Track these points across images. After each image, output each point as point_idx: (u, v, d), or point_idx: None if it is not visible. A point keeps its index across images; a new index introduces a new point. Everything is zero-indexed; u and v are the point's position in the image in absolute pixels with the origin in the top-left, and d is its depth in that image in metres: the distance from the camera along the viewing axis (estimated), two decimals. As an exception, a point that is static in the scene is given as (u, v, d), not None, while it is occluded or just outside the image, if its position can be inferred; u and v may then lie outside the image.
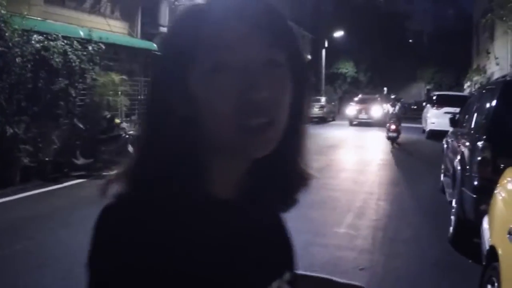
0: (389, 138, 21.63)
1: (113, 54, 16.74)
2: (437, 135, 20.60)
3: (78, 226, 8.01)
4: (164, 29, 20.39)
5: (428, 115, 26.30)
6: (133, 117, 18.15)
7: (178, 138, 0.96)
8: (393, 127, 21.44)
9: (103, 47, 15.07)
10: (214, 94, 0.93)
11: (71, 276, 5.92)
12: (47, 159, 12.28)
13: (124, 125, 14.99)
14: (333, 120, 39.71)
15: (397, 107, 23.77)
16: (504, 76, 8.07)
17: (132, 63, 18.23)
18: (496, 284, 3.94)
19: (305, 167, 1.11)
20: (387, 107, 26.02)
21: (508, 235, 3.91)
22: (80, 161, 12.72)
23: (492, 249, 4.32)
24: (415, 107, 52.95)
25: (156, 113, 1.00)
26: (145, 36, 19.75)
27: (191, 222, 0.94)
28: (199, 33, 0.95)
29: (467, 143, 7.57)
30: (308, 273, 1.41)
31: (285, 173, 1.09)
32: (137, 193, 0.96)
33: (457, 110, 14.53)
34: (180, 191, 0.94)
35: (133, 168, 0.99)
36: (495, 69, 25.95)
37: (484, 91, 9.02)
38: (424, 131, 27.71)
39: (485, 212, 5.52)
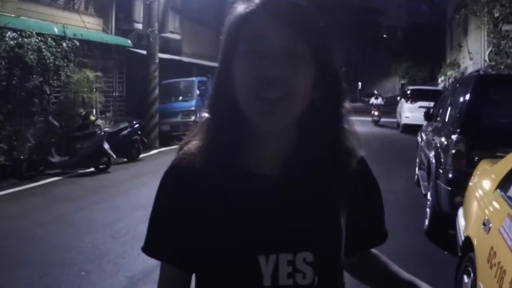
0: (373, 121, 30.66)
1: (88, 50, 16.66)
2: (412, 129, 20.78)
3: (54, 224, 7.98)
4: (138, 25, 20.25)
5: (403, 109, 26.50)
6: (108, 114, 18.08)
7: (225, 116, 1.24)
8: (376, 113, 31.16)
9: (78, 43, 15.00)
10: (242, 70, 1.19)
11: (48, 274, 5.92)
12: (22, 157, 12.17)
13: (99, 122, 14.94)
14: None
15: (379, 99, 32.64)
16: (477, 71, 8.19)
17: (107, 60, 18.14)
18: (472, 274, 4.00)
19: (348, 147, 1.32)
20: (372, 100, 33.72)
21: (483, 226, 3.99)
22: (56, 158, 12.63)
23: (468, 240, 4.39)
24: None
25: (216, 90, 1.28)
26: (120, 32, 19.63)
27: (223, 186, 1.23)
28: (241, 26, 1.22)
29: (442, 137, 7.65)
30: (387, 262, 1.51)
31: (326, 154, 1.28)
32: (188, 160, 1.26)
33: (431, 104, 14.65)
34: (219, 161, 1.24)
35: (189, 140, 1.31)
36: (469, 64, 26.20)
37: (458, 85, 9.13)
38: (398, 125, 27.94)
39: (460, 204, 5.61)
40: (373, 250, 1.51)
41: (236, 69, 1.20)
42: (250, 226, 1.22)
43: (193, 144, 1.29)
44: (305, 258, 1.22)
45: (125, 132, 14.58)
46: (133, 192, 10.41)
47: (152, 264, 5.77)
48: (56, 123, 12.90)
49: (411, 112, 24.53)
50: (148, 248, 1.31)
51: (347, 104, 1.32)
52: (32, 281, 5.73)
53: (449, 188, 6.63)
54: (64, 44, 14.37)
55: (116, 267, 6.07)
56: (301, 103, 1.21)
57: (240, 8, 1.24)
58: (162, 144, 18.03)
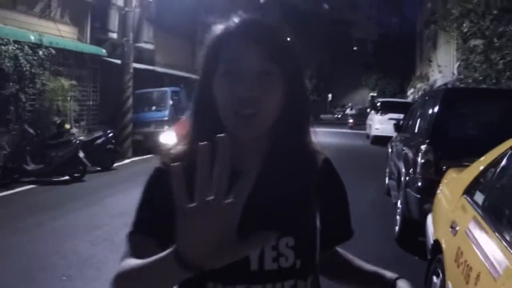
0: (349, 127, 38.99)
1: (63, 59, 16.69)
2: (382, 140, 21.03)
3: (33, 231, 8.01)
4: (113, 35, 20.33)
5: (373, 121, 26.87)
6: (82, 123, 18.09)
7: (207, 124, 1.37)
8: (351, 121, 40.21)
9: (54, 52, 15.03)
10: (221, 90, 1.34)
11: (30, 279, 6.00)
12: (-3, 164, 12.18)
13: (74, 130, 14.99)
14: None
15: (353, 110, 44.13)
16: (446, 84, 8.47)
17: (82, 69, 18.18)
18: (440, 274, 4.25)
19: (313, 149, 1.50)
20: (347, 110, 44.16)
21: (450, 229, 4.25)
22: (31, 166, 12.63)
23: (437, 242, 4.65)
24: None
25: (197, 103, 1.43)
26: (95, 41, 19.71)
27: None
28: (219, 48, 1.36)
29: (411, 147, 7.91)
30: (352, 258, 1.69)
31: (297, 153, 1.44)
32: (174, 160, 1.32)
33: (401, 116, 14.89)
34: None
35: (171, 148, 1.45)
36: (438, 77, 26.59)
37: (427, 98, 9.43)
38: (368, 136, 28.31)
39: (429, 211, 5.86)
40: (340, 249, 1.70)
41: (216, 88, 1.34)
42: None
43: (179, 148, 1.42)
44: (288, 243, 1.36)
45: (99, 141, 14.60)
46: (109, 200, 10.51)
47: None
48: (31, 131, 12.92)
49: (381, 124, 24.87)
50: (134, 231, 1.36)
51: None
52: (14, 286, 5.81)
53: (419, 196, 6.89)
54: (40, 52, 14.42)
55: (98, 272, 6.17)
56: (272, 115, 1.35)
57: (218, 30, 1.38)
58: (135, 154, 18.10)
